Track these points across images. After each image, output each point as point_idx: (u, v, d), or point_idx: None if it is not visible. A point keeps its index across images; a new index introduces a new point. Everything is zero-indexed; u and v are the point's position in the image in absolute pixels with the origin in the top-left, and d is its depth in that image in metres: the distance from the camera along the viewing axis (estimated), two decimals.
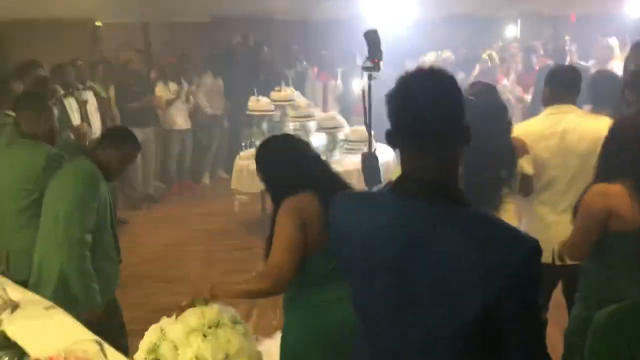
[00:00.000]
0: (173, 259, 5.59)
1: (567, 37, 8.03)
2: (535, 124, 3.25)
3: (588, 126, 3.07)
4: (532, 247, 1.29)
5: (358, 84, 7.90)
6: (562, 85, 3.20)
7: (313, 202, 2.23)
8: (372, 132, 3.86)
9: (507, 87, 6.53)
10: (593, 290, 2.47)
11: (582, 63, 6.42)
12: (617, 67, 6.02)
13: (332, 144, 5.67)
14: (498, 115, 2.99)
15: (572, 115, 3.15)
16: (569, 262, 2.74)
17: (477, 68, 7.74)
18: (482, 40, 11.21)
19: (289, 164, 2.34)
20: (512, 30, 13.58)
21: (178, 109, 7.31)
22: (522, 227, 3.10)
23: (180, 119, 7.36)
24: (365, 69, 3.66)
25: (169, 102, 7.19)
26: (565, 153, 3.08)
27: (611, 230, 2.35)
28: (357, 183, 5.16)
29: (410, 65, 8.14)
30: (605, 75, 4.17)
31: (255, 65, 7.85)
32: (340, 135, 5.80)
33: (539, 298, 1.31)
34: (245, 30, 8.91)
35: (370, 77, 3.68)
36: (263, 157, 2.44)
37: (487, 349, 1.31)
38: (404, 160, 1.41)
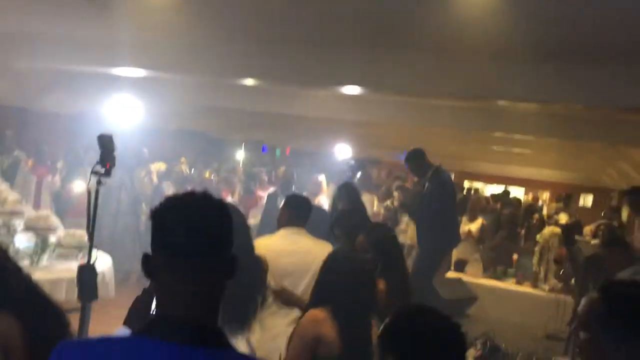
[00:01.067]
0: None
1: (282, 168, 8.90)
2: (273, 241, 3.58)
3: (317, 248, 3.48)
4: None
5: (79, 185, 7.41)
6: (296, 211, 3.66)
7: (12, 325, 1.87)
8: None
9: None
10: None
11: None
12: (323, 200, 6.85)
13: (42, 247, 5.05)
14: (243, 232, 3.13)
15: (304, 238, 3.60)
16: None
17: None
18: (213, 158, 11.76)
19: None
20: (239, 153, 14.61)
21: None
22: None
23: None
24: (95, 173, 3.44)
25: None
26: (299, 270, 3.43)
27: (319, 356, 2.47)
28: (66, 294, 4.66)
29: (137, 171, 8.02)
30: (315, 212, 4.70)
31: None
32: (52, 238, 5.24)
33: None
34: None
35: (99, 183, 3.47)
36: None
37: None
38: (162, 296, 1.27)
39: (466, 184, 17.30)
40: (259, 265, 3.18)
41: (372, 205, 7.30)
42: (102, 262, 5.00)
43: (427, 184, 5.58)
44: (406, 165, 5.87)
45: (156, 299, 1.29)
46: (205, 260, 1.25)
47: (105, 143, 3.45)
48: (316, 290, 2.69)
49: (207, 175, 7.28)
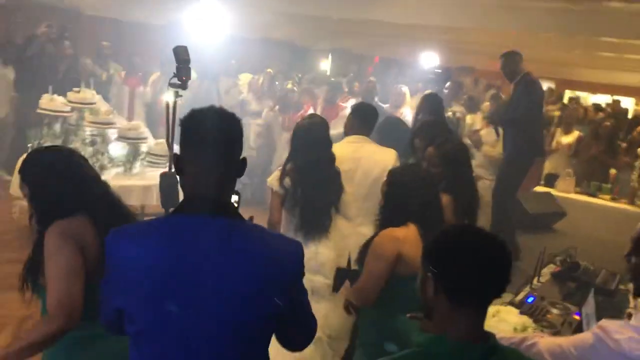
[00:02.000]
0: None
1: (372, 78, 8.68)
2: (338, 149, 3.64)
3: (379, 156, 3.70)
4: (300, 246, 1.63)
5: (169, 95, 7.68)
6: (361, 119, 3.78)
7: (88, 228, 2.02)
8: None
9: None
10: (373, 335, 2.53)
11: (381, 104, 7.00)
12: (407, 112, 6.67)
13: (134, 155, 5.38)
14: (327, 145, 3.43)
15: (367, 145, 3.75)
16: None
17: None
18: (299, 68, 11.65)
19: (64, 181, 2.07)
20: (324, 63, 14.39)
21: None
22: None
23: None
24: (172, 85, 3.54)
25: None
26: (361, 176, 3.64)
27: (397, 274, 2.44)
28: (157, 200, 4.96)
29: (225, 82, 8.15)
30: (391, 122, 4.64)
31: (55, 59, 7.17)
32: (144, 147, 5.54)
33: None
34: (48, 19, 8.13)
35: (176, 95, 3.56)
36: (31, 170, 2.12)
37: (267, 336, 1.60)
38: (188, 183, 1.58)
39: (567, 93, 16.17)
40: (338, 176, 3.42)
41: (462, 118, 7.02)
42: None
43: (514, 90, 5.28)
44: (501, 65, 5.45)
45: (184, 189, 1.60)
46: (220, 156, 1.56)
47: (180, 55, 3.50)
48: (385, 210, 2.60)
49: (289, 86, 7.18)
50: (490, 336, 1.53)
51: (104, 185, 2.26)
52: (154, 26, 9.11)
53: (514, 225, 5.41)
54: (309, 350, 2.35)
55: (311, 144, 3.35)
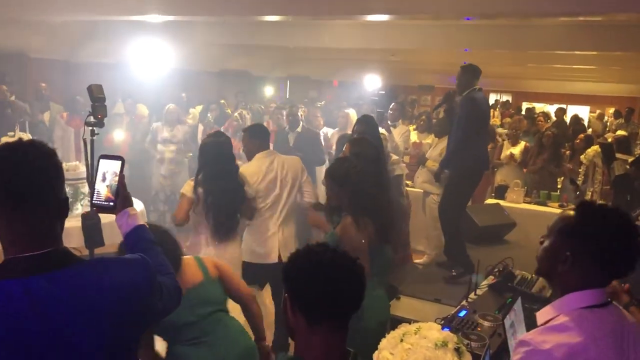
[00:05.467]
0: None
1: (318, 104, 8.76)
2: (255, 166, 4.21)
3: (289, 164, 4.28)
4: (140, 260, 1.52)
5: (118, 134, 7.65)
6: (260, 137, 4.30)
7: None
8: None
9: None
10: None
11: (325, 129, 7.06)
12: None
13: (74, 196, 5.30)
14: (229, 161, 3.86)
15: (277, 156, 4.29)
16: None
17: (227, 123, 7.83)
18: (252, 97, 11.73)
19: None
20: (281, 90, 14.51)
21: None
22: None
23: None
24: (88, 124, 3.51)
25: None
26: (278, 184, 4.18)
27: None
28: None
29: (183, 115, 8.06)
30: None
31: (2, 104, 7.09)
32: (85, 187, 5.45)
33: None
34: None
35: (92, 133, 3.54)
36: None
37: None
38: (5, 238, 1.36)
39: (525, 105, 16.48)
40: (241, 185, 3.86)
41: (407, 136, 7.09)
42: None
43: (459, 104, 5.15)
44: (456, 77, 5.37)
45: (2, 241, 1.38)
46: (32, 203, 1.34)
47: (95, 93, 3.48)
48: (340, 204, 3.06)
49: (235, 115, 7.13)
50: (351, 354, 1.53)
51: None
52: (105, 65, 9.08)
53: (463, 240, 5.37)
54: None
55: (219, 158, 3.78)
